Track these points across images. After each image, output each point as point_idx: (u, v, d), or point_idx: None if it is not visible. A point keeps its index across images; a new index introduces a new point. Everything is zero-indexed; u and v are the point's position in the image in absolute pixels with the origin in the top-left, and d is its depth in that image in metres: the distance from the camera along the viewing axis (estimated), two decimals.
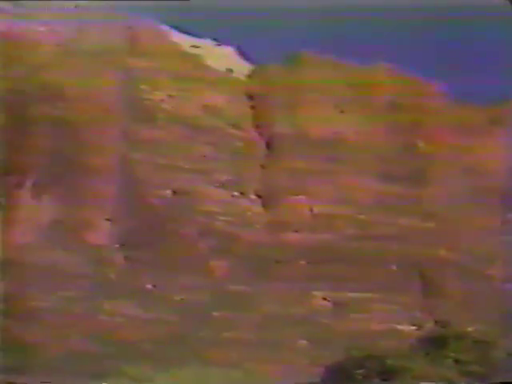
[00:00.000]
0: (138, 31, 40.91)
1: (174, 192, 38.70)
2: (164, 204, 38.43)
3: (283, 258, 37.84)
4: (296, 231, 38.46)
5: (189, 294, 36.59)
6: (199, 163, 39.36)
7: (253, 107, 40.99)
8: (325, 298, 37.11)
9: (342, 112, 40.72)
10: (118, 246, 37.15)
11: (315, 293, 37.20)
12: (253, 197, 39.07)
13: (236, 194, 39.03)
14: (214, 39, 41.96)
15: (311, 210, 38.96)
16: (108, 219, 37.66)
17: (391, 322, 36.59)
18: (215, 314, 36.40)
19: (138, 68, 40.27)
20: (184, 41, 41.52)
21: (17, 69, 39.26)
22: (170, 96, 40.27)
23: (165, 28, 41.48)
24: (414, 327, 36.28)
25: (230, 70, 41.55)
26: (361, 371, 34.36)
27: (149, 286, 36.50)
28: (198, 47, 41.58)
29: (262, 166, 39.81)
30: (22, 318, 35.01)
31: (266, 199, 39.14)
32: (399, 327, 36.36)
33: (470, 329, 35.67)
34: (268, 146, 40.26)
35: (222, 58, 41.42)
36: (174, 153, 39.36)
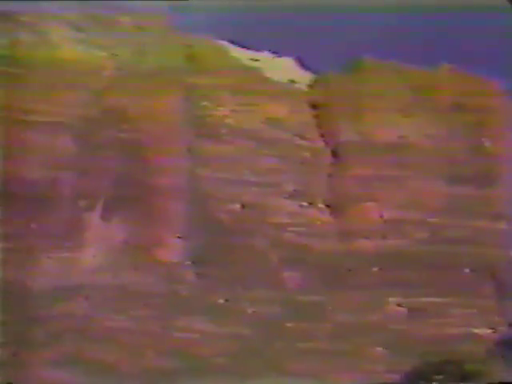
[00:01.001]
0: (196, 48, 41.37)
1: (243, 206, 38.96)
2: (233, 218, 38.72)
3: (355, 266, 37.69)
4: (367, 238, 38.27)
5: (261, 307, 36.82)
6: (266, 175, 39.55)
7: (316, 116, 40.94)
8: (399, 304, 36.84)
9: (406, 116, 40.39)
10: (189, 262, 37.60)
11: (389, 299, 36.95)
12: (321, 206, 39.02)
13: (304, 204, 39.05)
14: (273, 51, 41.89)
15: (381, 216, 38.75)
16: (179, 236, 38.18)
17: (468, 326, 36.13)
18: (289, 325, 36.52)
19: (199, 85, 40.74)
20: (242, 55, 41.67)
21: (81, 95, 40.29)
22: (232, 111, 40.57)
23: (222, 43, 41.68)
24: (490, 330, 35.76)
25: (292, 81, 41.55)
26: (440, 377, 34.21)
27: (221, 301, 36.84)
28: (257, 60, 41.65)
29: (329, 175, 39.70)
30: (98, 339, 35.87)
31: (335, 208, 39.03)
32: (476, 331, 35.87)
33: None
34: (334, 154, 40.16)
35: (281, 69, 41.37)
36: (240, 167, 39.67)
